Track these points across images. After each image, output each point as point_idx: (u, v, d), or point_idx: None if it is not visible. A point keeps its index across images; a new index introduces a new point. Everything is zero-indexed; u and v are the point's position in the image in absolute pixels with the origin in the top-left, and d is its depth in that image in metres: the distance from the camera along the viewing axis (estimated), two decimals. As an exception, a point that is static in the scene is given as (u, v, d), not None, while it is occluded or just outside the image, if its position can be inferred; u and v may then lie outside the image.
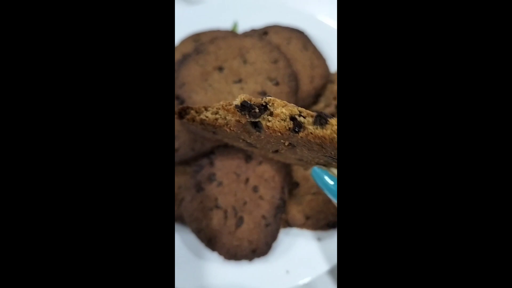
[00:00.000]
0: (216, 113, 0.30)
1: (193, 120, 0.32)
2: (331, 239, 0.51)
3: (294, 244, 0.51)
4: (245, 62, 0.55)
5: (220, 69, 0.55)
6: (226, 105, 0.28)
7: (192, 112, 0.32)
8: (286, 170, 0.53)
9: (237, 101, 0.27)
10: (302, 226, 0.51)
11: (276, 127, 0.26)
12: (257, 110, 0.26)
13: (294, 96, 0.54)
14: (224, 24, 0.68)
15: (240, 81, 0.54)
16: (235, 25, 0.68)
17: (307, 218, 0.51)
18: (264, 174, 0.52)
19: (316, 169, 0.33)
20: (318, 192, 0.52)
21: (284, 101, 0.26)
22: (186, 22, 0.67)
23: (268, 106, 0.26)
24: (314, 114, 0.25)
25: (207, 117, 0.30)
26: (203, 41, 0.61)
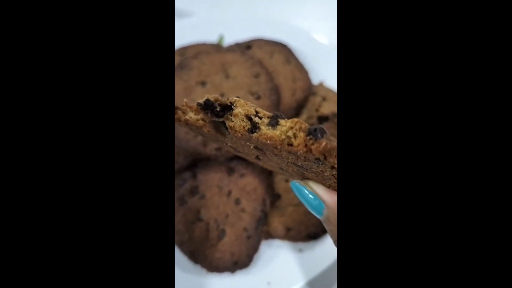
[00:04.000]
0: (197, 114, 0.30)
1: (179, 120, 0.33)
2: (312, 251, 0.52)
3: (275, 256, 0.52)
4: (227, 77, 0.56)
5: (203, 84, 0.56)
6: (188, 103, 0.29)
7: (179, 112, 0.33)
8: (268, 182, 0.54)
9: (201, 100, 0.28)
10: (283, 237, 0.52)
11: (237, 127, 0.26)
12: (218, 109, 0.27)
13: (276, 109, 0.55)
14: (211, 36, 0.69)
15: (222, 95, 0.55)
16: (220, 38, 0.69)
17: (288, 229, 0.52)
18: (246, 186, 0.53)
19: (294, 183, 0.33)
20: (299, 203, 0.53)
21: (247, 102, 0.27)
22: (175, 35, 0.68)
23: (232, 106, 0.27)
24: (271, 115, 0.25)
25: (190, 117, 0.30)
26: (188, 55, 0.62)
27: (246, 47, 0.63)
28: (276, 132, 0.25)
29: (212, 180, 0.53)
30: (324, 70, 0.65)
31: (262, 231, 0.51)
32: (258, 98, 0.54)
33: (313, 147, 0.23)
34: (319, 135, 0.23)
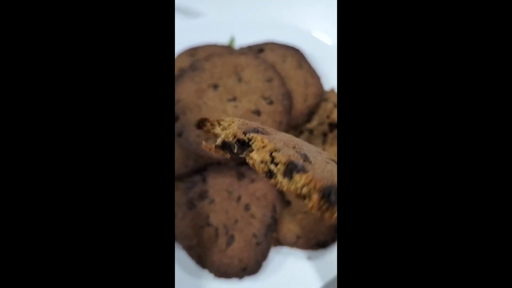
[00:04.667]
0: (224, 129, 0.30)
1: (209, 132, 0.33)
2: (321, 259, 0.51)
3: (284, 263, 0.51)
4: (240, 80, 0.56)
5: (215, 86, 0.55)
6: (207, 146, 0.29)
7: (208, 124, 0.33)
8: (278, 189, 0.53)
9: (219, 141, 0.28)
10: (293, 245, 0.52)
11: (256, 168, 0.26)
12: (235, 151, 0.27)
13: (288, 115, 0.55)
14: (222, 38, 0.68)
15: (234, 99, 0.54)
16: (232, 40, 0.69)
17: (298, 237, 0.52)
18: (256, 192, 0.52)
19: None
20: (310, 211, 0.53)
21: (265, 140, 0.26)
22: (185, 35, 0.67)
23: (250, 143, 0.27)
24: (287, 161, 0.24)
25: (218, 133, 0.31)
26: (199, 56, 0.62)
27: (258, 50, 0.63)
28: (291, 186, 0.24)
29: (222, 185, 0.53)
30: (336, 76, 0.64)
31: (271, 237, 0.51)
32: (271, 103, 0.54)
33: (326, 214, 0.23)
34: (333, 200, 0.23)
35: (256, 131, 0.29)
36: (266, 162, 0.25)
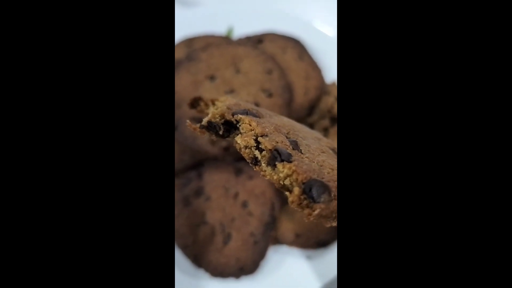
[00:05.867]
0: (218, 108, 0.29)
1: (202, 112, 0.31)
2: (321, 258, 0.50)
3: (282, 263, 0.50)
4: (238, 71, 0.53)
5: (212, 78, 0.53)
6: (192, 125, 0.27)
7: (202, 104, 0.32)
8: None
9: (204, 121, 0.26)
10: (291, 243, 0.50)
11: (242, 152, 0.24)
12: (220, 133, 0.25)
13: (287, 108, 0.52)
14: (220, 28, 0.66)
15: (232, 91, 0.52)
16: (230, 30, 0.66)
17: (297, 236, 0.50)
18: (254, 189, 0.50)
19: None
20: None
21: (253, 123, 0.25)
22: (181, 25, 0.65)
23: (238, 125, 0.25)
24: (273, 147, 0.23)
25: (212, 112, 0.29)
26: (196, 47, 0.59)
27: (257, 40, 0.60)
28: (274, 176, 0.23)
29: (219, 181, 0.51)
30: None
31: (269, 236, 0.49)
32: (270, 95, 0.52)
33: (305, 211, 0.21)
34: (315, 196, 0.21)
35: (246, 112, 0.27)
36: (251, 148, 0.23)
